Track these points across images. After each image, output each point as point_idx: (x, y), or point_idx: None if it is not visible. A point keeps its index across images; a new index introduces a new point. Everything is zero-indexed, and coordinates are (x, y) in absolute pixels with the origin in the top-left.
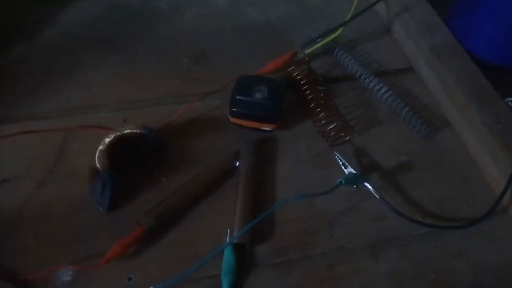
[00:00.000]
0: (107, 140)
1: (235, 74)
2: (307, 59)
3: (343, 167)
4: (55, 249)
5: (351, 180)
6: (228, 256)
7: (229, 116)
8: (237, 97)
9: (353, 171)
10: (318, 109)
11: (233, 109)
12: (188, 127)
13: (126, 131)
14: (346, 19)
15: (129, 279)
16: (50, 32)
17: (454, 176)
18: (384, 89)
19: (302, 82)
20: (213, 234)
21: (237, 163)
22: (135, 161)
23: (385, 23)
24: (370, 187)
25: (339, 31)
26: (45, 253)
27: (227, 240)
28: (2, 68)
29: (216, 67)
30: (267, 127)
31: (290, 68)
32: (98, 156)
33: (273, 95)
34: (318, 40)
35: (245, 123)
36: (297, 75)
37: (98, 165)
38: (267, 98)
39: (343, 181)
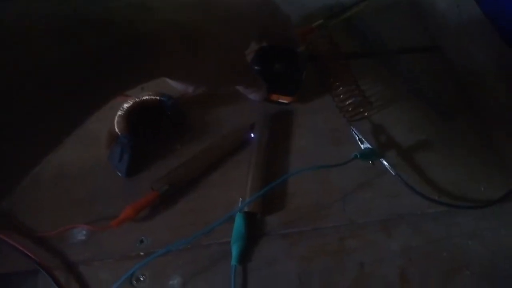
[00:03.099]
0: (126, 106)
1: (254, 46)
2: (328, 32)
3: (359, 143)
4: (71, 210)
5: (367, 155)
6: (238, 223)
7: None
8: (255, 67)
9: (370, 147)
10: (338, 83)
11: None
12: (205, 98)
13: (145, 98)
14: None
15: (141, 241)
16: None
17: (473, 157)
18: (405, 66)
19: (322, 55)
20: (224, 203)
21: (252, 135)
22: (153, 128)
23: None
24: (386, 163)
25: (362, 5)
26: (61, 213)
27: (239, 208)
28: None
29: None
30: (284, 100)
31: (311, 41)
32: (117, 121)
33: (292, 67)
34: (340, 13)
35: None
36: (317, 48)
37: (117, 130)
38: (285, 70)
39: (358, 155)
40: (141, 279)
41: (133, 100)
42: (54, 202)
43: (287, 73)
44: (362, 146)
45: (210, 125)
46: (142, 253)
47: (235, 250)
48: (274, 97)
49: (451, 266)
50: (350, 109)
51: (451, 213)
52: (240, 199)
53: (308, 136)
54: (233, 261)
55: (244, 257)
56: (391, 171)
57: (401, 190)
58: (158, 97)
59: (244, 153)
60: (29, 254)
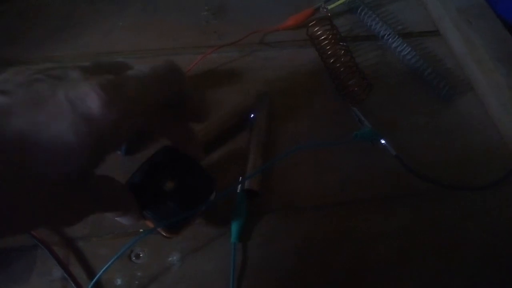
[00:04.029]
0: None
1: (254, 28)
2: (329, 15)
3: (359, 124)
4: None
5: (367, 135)
6: (239, 201)
7: None
8: (136, 180)
9: (369, 127)
10: (338, 65)
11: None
12: (205, 78)
13: None
14: None
15: None
16: None
17: (474, 139)
18: (408, 49)
19: (322, 38)
20: (224, 181)
21: (252, 115)
22: None
23: None
24: (385, 143)
25: None
26: None
27: (239, 186)
28: (23, 12)
29: (235, 21)
30: (163, 232)
31: (311, 24)
32: None
33: (184, 193)
34: None
35: None
36: (317, 30)
37: None
38: (178, 193)
39: (358, 134)
40: (141, 255)
41: None
42: None
43: (179, 199)
44: (362, 127)
45: (210, 105)
46: (141, 230)
47: (234, 228)
48: (150, 224)
49: (449, 246)
50: (350, 91)
51: (450, 194)
52: (240, 177)
53: (308, 117)
54: (233, 239)
55: (244, 234)
56: (390, 151)
57: (401, 171)
58: None
59: (243, 133)
60: None
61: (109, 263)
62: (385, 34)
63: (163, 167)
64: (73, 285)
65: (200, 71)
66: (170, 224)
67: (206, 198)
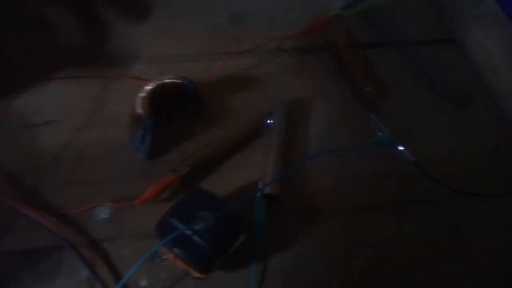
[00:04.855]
0: (148, 88)
1: (271, 35)
2: (345, 22)
3: (377, 130)
4: (92, 189)
5: (386, 141)
6: (259, 204)
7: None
8: (167, 217)
9: (387, 134)
10: (355, 72)
11: (156, 233)
12: (223, 84)
13: (167, 80)
14: None
15: None
16: None
17: (488, 147)
18: (422, 57)
19: (339, 45)
20: (243, 186)
21: (270, 121)
22: (173, 112)
23: None
24: (403, 149)
25: None
26: (82, 192)
27: (259, 190)
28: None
29: (253, 28)
30: (194, 273)
31: (328, 30)
32: (141, 102)
33: (218, 234)
34: (357, 3)
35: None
36: (334, 37)
37: (140, 112)
38: (206, 235)
39: (376, 141)
40: (164, 257)
41: (155, 83)
42: (76, 182)
43: (210, 240)
44: (379, 133)
45: (228, 111)
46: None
47: (255, 231)
48: (181, 265)
49: (464, 251)
50: (367, 97)
51: (465, 201)
52: (260, 182)
53: (326, 123)
54: (254, 242)
55: (264, 238)
56: (408, 158)
57: (417, 177)
58: (180, 80)
59: (262, 139)
60: (54, 230)
61: (136, 266)
62: (400, 42)
63: (195, 207)
64: (99, 286)
65: (219, 77)
66: (202, 265)
67: (236, 240)
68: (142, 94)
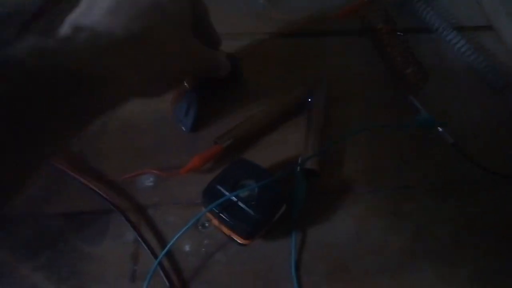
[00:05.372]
0: None
1: (310, 16)
2: (385, 4)
3: (416, 112)
4: (137, 158)
5: (424, 121)
6: (299, 178)
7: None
8: (213, 185)
9: (427, 115)
10: (395, 55)
11: (204, 198)
12: (262, 64)
13: None
14: None
15: None
16: None
17: None
18: (462, 42)
19: (378, 27)
20: (283, 161)
21: (309, 99)
22: (217, 85)
23: None
24: (443, 131)
25: None
26: (128, 161)
27: (298, 165)
28: None
29: (291, 8)
30: (238, 239)
31: (367, 13)
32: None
33: (262, 202)
34: None
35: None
36: (373, 19)
37: (185, 85)
38: (252, 203)
39: (417, 119)
40: (206, 225)
41: None
42: (121, 150)
43: (255, 206)
44: (418, 114)
45: (267, 88)
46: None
47: (295, 204)
48: (226, 230)
49: (503, 232)
50: (406, 79)
51: (503, 182)
52: (300, 157)
53: (363, 103)
54: (294, 214)
55: (303, 212)
56: (447, 139)
57: (456, 159)
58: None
59: (300, 116)
60: (102, 194)
61: (180, 232)
62: (439, 27)
63: (240, 176)
64: (145, 247)
65: (257, 57)
66: (248, 231)
67: (278, 209)
68: None
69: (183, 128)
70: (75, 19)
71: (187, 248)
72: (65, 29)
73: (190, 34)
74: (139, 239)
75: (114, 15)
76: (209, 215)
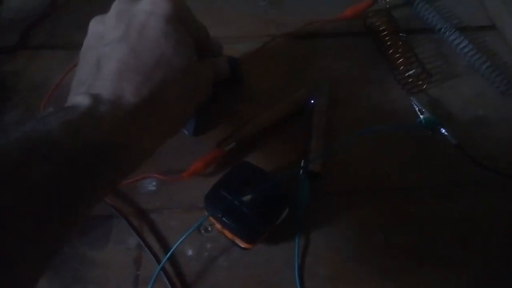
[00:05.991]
0: None
1: (311, 18)
2: (387, 6)
3: (418, 114)
4: None
5: (427, 123)
6: (302, 181)
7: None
8: (215, 189)
9: (430, 116)
10: (397, 55)
11: (206, 203)
12: (263, 66)
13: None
14: None
15: None
16: None
17: None
18: (465, 43)
19: (380, 29)
20: (285, 163)
21: (312, 101)
22: (218, 89)
23: None
24: (446, 132)
25: None
26: None
27: (301, 168)
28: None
29: (293, 11)
30: (241, 243)
31: (370, 15)
32: None
33: (265, 206)
34: None
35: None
36: (376, 21)
37: None
38: (254, 206)
39: (420, 121)
40: (209, 229)
41: None
42: None
43: (257, 211)
44: (421, 116)
45: (269, 91)
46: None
47: (298, 206)
48: (228, 234)
49: (507, 235)
50: (409, 80)
51: (508, 185)
52: (303, 160)
53: (367, 105)
54: (297, 217)
55: (307, 214)
56: (451, 140)
57: (460, 160)
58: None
59: (303, 118)
60: (105, 199)
61: (184, 236)
62: (442, 28)
63: (242, 180)
64: (148, 252)
65: (259, 59)
66: (250, 235)
67: (281, 213)
68: None
69: (185, 132)
70: (89, 84)
71: (190, 252)
72: (82, 98)
73: (199, 74)
74: (142, 243)
75: (124, 80)
76: (212, 219)
